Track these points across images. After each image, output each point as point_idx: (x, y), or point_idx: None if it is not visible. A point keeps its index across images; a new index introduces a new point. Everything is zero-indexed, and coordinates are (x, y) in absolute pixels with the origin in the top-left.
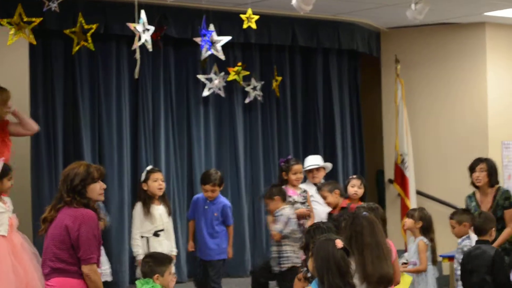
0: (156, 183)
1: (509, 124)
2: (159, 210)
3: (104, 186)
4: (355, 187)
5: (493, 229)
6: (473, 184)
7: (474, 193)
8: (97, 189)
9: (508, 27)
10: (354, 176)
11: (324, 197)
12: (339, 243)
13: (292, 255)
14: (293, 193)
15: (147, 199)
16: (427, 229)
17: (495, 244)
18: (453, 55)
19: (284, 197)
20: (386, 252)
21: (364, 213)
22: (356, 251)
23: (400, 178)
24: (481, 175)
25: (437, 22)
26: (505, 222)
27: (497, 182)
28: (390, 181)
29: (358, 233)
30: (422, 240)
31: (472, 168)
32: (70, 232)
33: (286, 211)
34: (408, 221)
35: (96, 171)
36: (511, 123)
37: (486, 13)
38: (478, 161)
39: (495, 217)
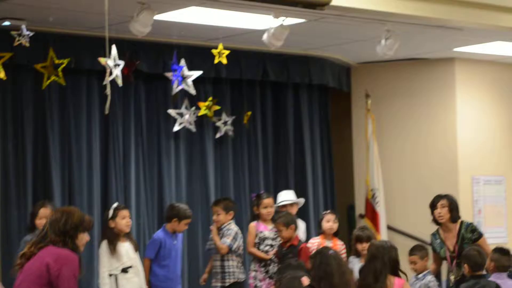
0: (124, 221)
1: (479, 159)
2: (125, 246)
3: (88, 238)
4: (330, 222)
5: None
6: (434, 221)
7: (437, 230)
8: (84, 240)
9: (477, 62)
10: (328, 211)
11: (279, 230)
12: (305, 281)
13: (236, 270)
14: (264, 229)
15: (113, 237)
16: None
17: None
18: (423, 90)
19: (234, 213)
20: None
21: (331, 251)
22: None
23: (371, 213)
24: (442, 211)
25: (407, 58)
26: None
27: (459, 217)
28: (361, 216)
29: (327, 274)
30: None
31: (433, 205)
32: (50, 269)
33: (233, 226)
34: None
35: (88, 222)
36: (481, 158)
37: (455, 49)
38: (439, 197)
39: (460, 251)
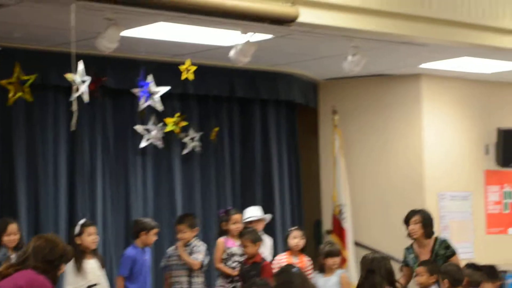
0: (91, 238)
1: (445, 175)
2: (91, 263)
3: (63, 270)
4: (297, 238)
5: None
6: (409, 236)
7: (412, 245)
8: (62, 270)
9: (443, 78)
10: (295, 228)
11: (245, 246)
12: None
13: (203, 286)
14: (233, 245)
15: (79, 254)
16: None
17: None
18: (390, 106)
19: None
20: None
21: (295, 269)
22: None
23: (338, 229)
24: (415, 227)
25: (374, 74)
26: None
27: (433, 233)
28: (328, 232)
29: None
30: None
31: (406, 221)
32: None
33: (200, 242)
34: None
35: (71, 254)
36: (447, 174)
37: (421, 65)
38: (412, 213)
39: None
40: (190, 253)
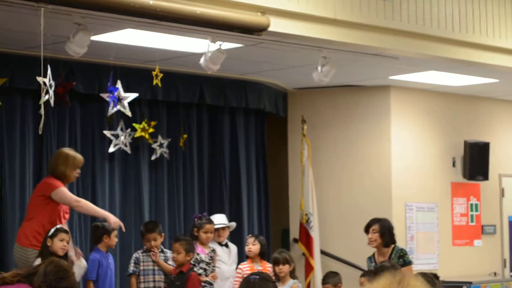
0: (61, 243)
1: (412, 186)
2: None
3: None
4: (249, 245)
5: None
6: (369, 244)
7: (373, 254)
8: None
9: (412, 90)
10: (249, 235)
11: (177, 252)
12: None
13: None
14: (201, 251)
15: (48, 255)
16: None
17: None
18: (359, 117)
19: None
20: None
21: (253, 277)
22: None
23: (305, 238)
24: (373, 236)
25: (344, 84)
26: None
27: (393, 242)
28: (295, 240)
29: None
30: (296, 282)
31: (366, 229)
32: None
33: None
34: (285, 267)
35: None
36: (415, 185)
37: (391, 77)
38: (372, 222)
39: None
40: (165, 260)
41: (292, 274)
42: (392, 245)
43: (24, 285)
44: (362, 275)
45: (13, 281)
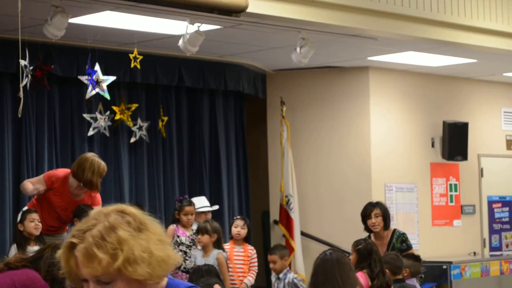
0: (33, 223)
1: (392, 167)
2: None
3: None
4: (238, 227)
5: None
6: (367, 229)
7: (369, 236)
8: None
9: (391, 71)
10: (238, 217)
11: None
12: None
13: None
14: (182, 234)
15: (23, 241)
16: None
17: None
18: (338, 98)
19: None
20: (341, 283)
21: (327, 251)
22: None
23: (285, 219)
24: (377, 220)
25: (323, 66)
26: None
27: (390, 225)
28: (275, 222)
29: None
30: (221, 253)
31: (365, 215)
32: None
33: None
34: (204, 238)
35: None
36: (394, 166)
37: (369, 58)
38: (371, 206)
39: None
40: None
41: (216, 245)
42: (392, 228)
43: (30, 270)
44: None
45: (18, 266)
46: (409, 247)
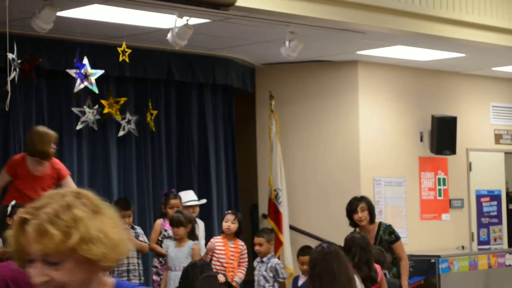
0: None
1: (380, 161)
2: None
3: None
4: (228, 222)
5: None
6: (352, 224)
7: (355, 230)
8: None
9: (380, 65)
10: (229, 212)
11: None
12: (221, 278)
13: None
14: (170, 228)
15: None
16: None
17: (403, 280)
18: (327, 92)
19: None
20: (338, 276)
21: (324, 245)
22: (308, 279)
23: (274, 213)
24: (363, 214)
25: (312, 60)
26: (396, 255)
27: (375, 218)
28: (264, 216)
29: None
30: (196, 244)
31: (351, 209)
32: None
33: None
34: (180, 230)
35: None
36: (383, 160)
37: (358, 52)
38: (356, 201)
39: None
40: (136, 237)
41: (191, 236)
42: (377, 222)
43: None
44: (299, 254)
45: (2, 259)
46: (398, 238)
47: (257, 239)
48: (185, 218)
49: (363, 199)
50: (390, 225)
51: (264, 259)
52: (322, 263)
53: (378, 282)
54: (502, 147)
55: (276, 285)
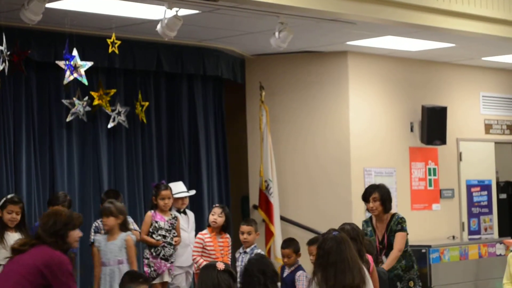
0: (10, 216)
1: (370, 151)
2: (14, 237)
3: (81, 234)
4: (215, 215)
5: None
6: (369, 212)
7: (370, 218)
8: (75, 236)
9: (370, 56)
10: (217, 205)
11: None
12: (220, 265)
13: None
14: (161, 219)
15: (1, 227)
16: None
17: (385, 267)
18: (317, 82)
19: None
20: (352, 264)
21: (334, 233)
22: (320, 268)
23: (265, 204)
24: (374, 205)
25: (301, 50)
26: (394, 243)
27: (391, 208)
28: (255, 207)
29: (325, 252)
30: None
31: (365, 199)
32: (46, 276)
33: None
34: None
35: (77, 219)
36: (373, 150)
37: (348, 42)
38: (371, 189)
39: (388, 243)
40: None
41: (123, 228)
42: (392, 212)
43: (40, 246)
44: (309, 243)
45: (26, 248)
46: (402, 229)
47: (246, 227)
48: (116, 208)
49: (377, 188)
50: (402, 217)
51: (248, 249)
52: (337, 252)
53: (370, 272)
54: (492, 137)
55: None
